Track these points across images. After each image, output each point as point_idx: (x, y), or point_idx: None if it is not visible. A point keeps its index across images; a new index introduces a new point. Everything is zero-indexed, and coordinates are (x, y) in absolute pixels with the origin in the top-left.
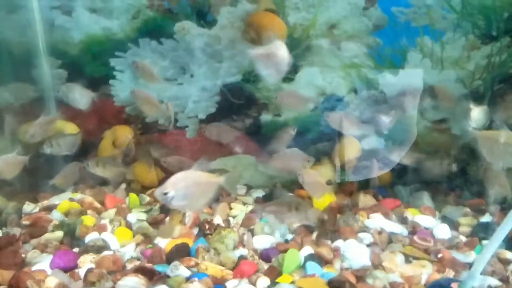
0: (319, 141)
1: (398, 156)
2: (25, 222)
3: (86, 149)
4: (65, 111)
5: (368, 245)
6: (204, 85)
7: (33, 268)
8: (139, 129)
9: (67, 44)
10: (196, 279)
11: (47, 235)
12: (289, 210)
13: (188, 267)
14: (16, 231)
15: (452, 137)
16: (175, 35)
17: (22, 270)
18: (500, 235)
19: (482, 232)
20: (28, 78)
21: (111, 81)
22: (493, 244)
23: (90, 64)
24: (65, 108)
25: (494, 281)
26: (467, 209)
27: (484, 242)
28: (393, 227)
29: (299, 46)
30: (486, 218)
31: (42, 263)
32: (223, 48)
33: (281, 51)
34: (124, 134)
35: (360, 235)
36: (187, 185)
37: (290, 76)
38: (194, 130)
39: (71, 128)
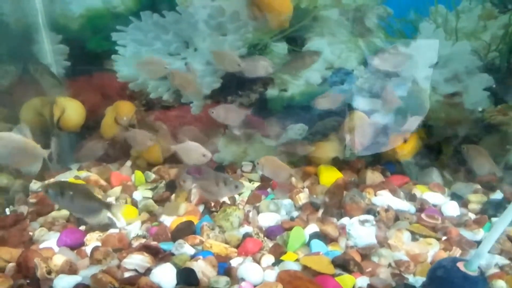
0: (326, 116)
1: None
2: (32, 200)
3: (90, 125)
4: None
5: (373, 223)
6: (208, 59)
7: (41, 246)
8: (143, 105)
9: (67, 18)
10: (200, 257)
11: (54, 213)
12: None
13: (193, 245)
14: (24, 209)
15: (465, 111)
16: (177, 7)
17: (29, 248)
18: (510, 213)
19: (492, 209)
20: (29, 54)
21: (113, 56)
22: (503, 222)
23: (91, 39)
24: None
25: (502, 260)
26: (477, 186)
27: (493, 219)
28: (401, 204)
29: (307, 17)
30: (496, 195)
31: (49, 241)
32: (227, 20)
33: None
34: (126, 110)
35: (365, 216)
36: (9, 142)
37: (297, 48)
38: (199, 106)
39: (74, 105)
